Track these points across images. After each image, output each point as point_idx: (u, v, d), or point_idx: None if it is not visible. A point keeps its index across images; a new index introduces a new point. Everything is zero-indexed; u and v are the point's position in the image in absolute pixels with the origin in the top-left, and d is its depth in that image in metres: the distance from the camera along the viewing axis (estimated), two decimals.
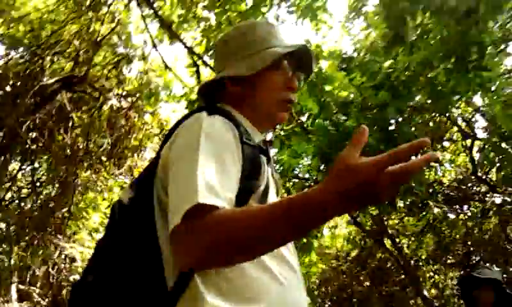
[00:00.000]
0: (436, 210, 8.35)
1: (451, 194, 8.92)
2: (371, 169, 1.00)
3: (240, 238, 1.07)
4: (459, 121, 8.14)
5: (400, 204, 9.25)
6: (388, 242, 10.31)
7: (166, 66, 4.72)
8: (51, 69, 7.49)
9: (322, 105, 5.41)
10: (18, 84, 7.34)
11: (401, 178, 1.01)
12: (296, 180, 8.88)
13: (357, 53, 6.87)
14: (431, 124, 8.00)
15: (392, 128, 5.02)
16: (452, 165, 9.68)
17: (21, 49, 7.37)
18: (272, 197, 1.38)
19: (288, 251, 1.36)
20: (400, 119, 5.98)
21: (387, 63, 5.39)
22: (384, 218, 9.86)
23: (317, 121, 5.94)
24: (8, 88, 7.40)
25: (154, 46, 6.28)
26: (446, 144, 9.13)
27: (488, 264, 9.50)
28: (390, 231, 10.30)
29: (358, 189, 1.00)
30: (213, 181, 1.13)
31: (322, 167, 6.79)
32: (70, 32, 7.00)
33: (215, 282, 1.19)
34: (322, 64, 5.69)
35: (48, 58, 6.94)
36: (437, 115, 7.70)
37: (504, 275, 9.04)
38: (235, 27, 1.66)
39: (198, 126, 1.25)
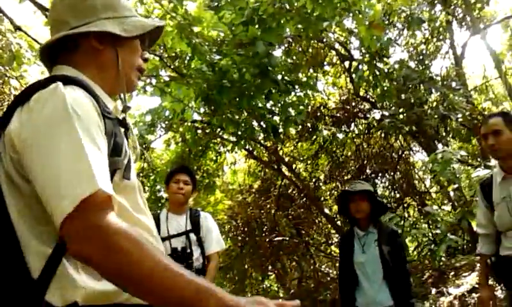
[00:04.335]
0: (325, 132, 8.67)
1: (337, 115, 9.29)
2: None
3: (133, 272, 1.04)
4: (336, 45, 8.34)
5: (292, 131, 9.54)
6: (286, 170, 10.65)
7: (16, 27, 4.34)
8: None
9: (194, 46, 5.27)
10: None
11: None
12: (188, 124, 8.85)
13: None
14: (310, 50, 8.17)
15: (265, 61, 5.01)
16: (335, 87, 10.02)
17: None
18: (132, 167, 1.34)
19: (146, 217, 1.36)
20: (274, 52, 6.02)
21: None
22: (279, 147, 10.12)
23: (192, 64, 5.84)
24: None
25: None
26: (327, 68, 9.38)
27: (380, 174, 10.20)
28: (286, 159, 10.63)
29: None
30: (103, 167, 1.10)
31: (206, 110, 6.76)
32: None
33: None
34: (188, 5, 5.52)
35: None
36: (315, 42, 7.84)
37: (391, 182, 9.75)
38: None
39: (62, 101, 1.14)
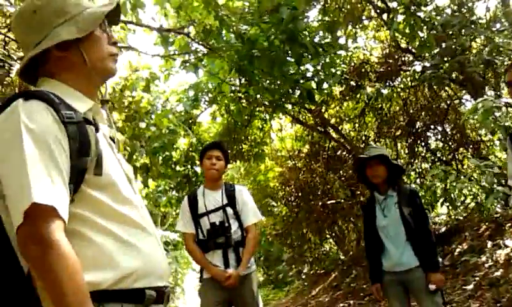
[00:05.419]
0: (369, 89, 8.45)
1: (381, 70, 9.00)
2: None
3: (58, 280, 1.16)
4: None
5: (336, 91, 9.36)
6: (333, 131, 10.52)
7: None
8: None
9: (221, 19, 5.23)
10: None
11: None
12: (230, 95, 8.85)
13: None
14: (348, 7, 7.89)
15: (291, 26, 4.90)
16: (376, 41, 9.69)
17: None
18: (111, 160, 1.41)
19: (138, 214, 1.44)
20: (309, 12, 5.88)
21: None
22: (323, 109, 9.98)
23: (224, 37, 5.80)
24: None
25: None
26: (366, 22, 9.07)
27: (430, 127, 9.87)
28: (332, 121, 10.48)
29: None
30: (44, 179, 1.19)
31: (241, 81, 6.74)
32: None
33: None
34: None
35: None
36: None
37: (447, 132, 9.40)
38: None
39: (17, 119, 1.24)
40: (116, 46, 1.58)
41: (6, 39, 7.03)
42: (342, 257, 12.95)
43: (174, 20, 6.04)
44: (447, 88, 8.53)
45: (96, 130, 1.41)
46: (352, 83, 8.92)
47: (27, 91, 1.34)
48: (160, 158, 10.68)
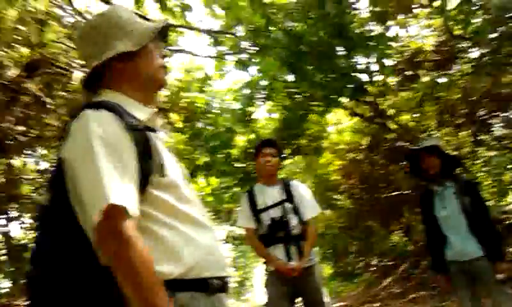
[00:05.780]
0: (425, 79, 8.23)
1: (436, 58, 8.72)
2: None
3: (135, 274, 1.29)
4: None
5: (392, 82, 9.16)
6: (391, 123, 10.30)
7: None
8: (11, 60, 7.44)
9: (268, 17, 5.27)
10: None
11: None
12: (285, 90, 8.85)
13: None
14: None
15: (336, 20, 4.86)
16: (430, 29, 9.36)
17: None
18: (170, 162, 1.57)
19: (197, 211, 1.58)
20: (357, 3, 5.80)
21: None
22: (380, 101, 9.79)
23: (272, 35, 5.83)
24: None
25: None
26: (417, 10, 8.77)
27: (494, 114, 9.46)
28: (390, 112, 10.26)
29: None
30: (117, 181, 1.32)
31: (292, 78, 6.73)
32: (12, 19, 6.91)
33: None
34: None
35: (1, 53, 6.89)
36: None
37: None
38: (97, 15, 1.72)
39: (87, 127, 1.39)
40: (164, 58, 1.74)
41: (67, 48, 7.40)
42: (411, 248, 12.67)
43: (222, 20, 6.13)
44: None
45: (157, 135, 1.57)
46: (408, 73, 8.70)
47: (94, 101, 1.51)
48: (220, 156, 10.88)
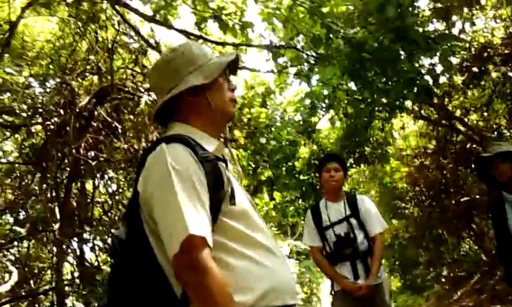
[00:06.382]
0: (495, 74, 7.93)
1: (506, 52, 8.37)
2: None
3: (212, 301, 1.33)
4: None
5: (458, 80, 8.86)
6: (459, 124, 9.98)
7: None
8: (82, 89, 7.80)
9: (328, 26, 5.26)
10: (62, 112, 7.73)
11: None
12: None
13: None
14: None
15: (398, 23, 4.79)
16: (498, 21, 8.99)
17: (51, 82, 7.73)
18: (239, 191, 1.61)
19: (266, 237, 1.61)
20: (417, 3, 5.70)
21: None
22: (446, 102, 9.51)
23: (332, 44, 5.82)
24: (54, 120, 7.82)
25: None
26: (483, 1, 8.46)
27: None
28: (457, 113, 9.94)
29: None
30: (194, 213, 1.37)
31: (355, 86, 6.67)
32: (83, 49, 7.28)
33: None
34: None
35: (74, 83, 7.25)
36: None
37: None
38: (170, 50, 1.82)
39: (164, 161, 1.46)
40: (234, 91, 1.81)
41: (134, 73, 7.69)
42: (483, 257, 12.13)
43: (282, 33, 6.18)
44: None
45: (226, 165, 1.61)
46: (475, 70, 8.40)
47: (168, 135, 1.59)
48: (283, 169, 10.90)
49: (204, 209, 1.41)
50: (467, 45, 8.37)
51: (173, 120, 1.71)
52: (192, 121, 1.68)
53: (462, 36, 6.21)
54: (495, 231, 3.71)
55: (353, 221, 3.92)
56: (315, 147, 11.32)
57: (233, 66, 1.81)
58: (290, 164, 11.07)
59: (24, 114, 7.88)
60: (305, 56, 6.11)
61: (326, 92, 9.35)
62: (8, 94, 7.68)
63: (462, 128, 9.94)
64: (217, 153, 1.61)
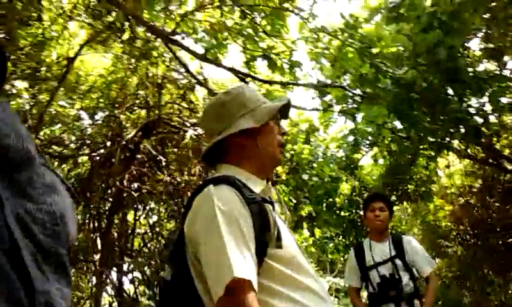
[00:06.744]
0: None
1: None
2: None
3: None
4: None
5: (507, 119, 8.66)
6: (508, 163, 9.72)
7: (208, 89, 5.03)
8: (130, 122, 8.00)
9: (377, 67, 5.27)
10: (108, 144, 7.94)
11: None
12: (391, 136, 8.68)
13: None
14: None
15: (450, 65, 4.75)
16: None
17: (100, 115, 7.97)
18: (286, 234, 1.60)
19: (314, 281, 1.58)
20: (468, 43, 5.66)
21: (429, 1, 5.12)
22: (494, 141, 9.29)
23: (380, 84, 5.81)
24: (101, 151, 8.03)
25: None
26: None
27: None
28: (506, 152, 9.69)
29: None
30: (240, 255, 1.37)
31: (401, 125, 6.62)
32: (133, 84, 7.50)
33: None
34: (362, 26, 5.56)
35: (122, 116, 7.46)
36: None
37: None
38: (224, 93, 1.83)
39: (211, 203, 1.47)
40: (283, 136, 1.82)
41: (180, 108, 7.86)
42: None
43: (329, 72, 6.22)
44: None
45: (273, 207, 1.60)
46: None
47: (216, 177, 1.61)
48: (324, 205, 10.81)
49: (250, 252, 1.40)
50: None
51: (222, 161, 1.73)
52: (241, 164, 1.69)
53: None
54: None
55: (398, 262, 3.85)
56: (356, 183, 11.20)
57: (284, 111, 1.83)
58: (331, 200, 10.97)
59: (73, 145, 8.14)
60: (351, 94, 6.11)
61: (370, 129, 9.29)
62: (59, 125, 7.96)
63: (510, 168, 9.67)
64: (264, 194, 1.62)
